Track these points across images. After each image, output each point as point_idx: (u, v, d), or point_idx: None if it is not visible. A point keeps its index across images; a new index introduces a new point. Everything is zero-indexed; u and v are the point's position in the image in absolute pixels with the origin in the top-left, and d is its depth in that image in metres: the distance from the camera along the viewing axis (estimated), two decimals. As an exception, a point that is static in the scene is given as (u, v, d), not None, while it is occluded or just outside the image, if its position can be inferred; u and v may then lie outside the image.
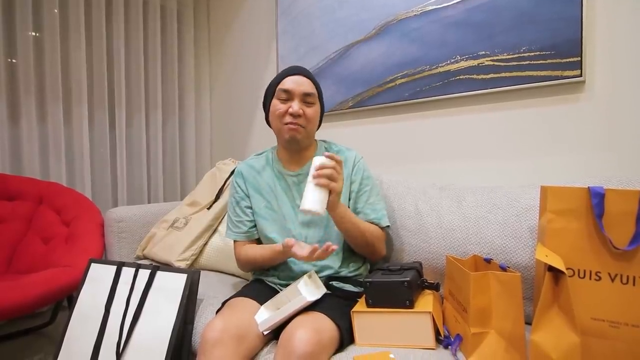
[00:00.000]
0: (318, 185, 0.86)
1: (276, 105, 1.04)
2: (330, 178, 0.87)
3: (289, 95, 1.02)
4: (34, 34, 1.75)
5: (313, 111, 1.04)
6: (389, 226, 1.10)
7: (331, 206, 0.91)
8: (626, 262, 0.74)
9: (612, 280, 0.75)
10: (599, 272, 0.76)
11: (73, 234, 1.50)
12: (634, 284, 0.73)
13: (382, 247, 1.09)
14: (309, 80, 1.04)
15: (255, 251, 1.07)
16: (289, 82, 1.02)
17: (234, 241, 1.14)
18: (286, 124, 1.02)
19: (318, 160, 0.89)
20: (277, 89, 1.04)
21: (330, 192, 0.89)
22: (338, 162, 0.90)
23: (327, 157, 0.88)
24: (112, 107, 2.01)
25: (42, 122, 1.79)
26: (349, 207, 1.07)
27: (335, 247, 0.87)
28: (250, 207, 1.12)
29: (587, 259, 0.77)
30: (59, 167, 1.81)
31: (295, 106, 1.00)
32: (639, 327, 0.72)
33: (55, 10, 1.76)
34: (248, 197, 1.12)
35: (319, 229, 1.05)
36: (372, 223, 1.06)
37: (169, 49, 2.20)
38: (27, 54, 1.70)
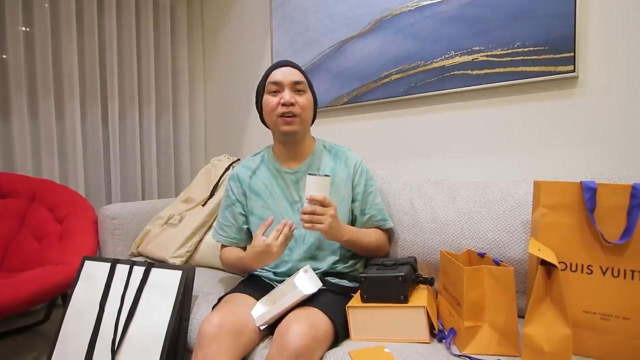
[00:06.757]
0: (305, 228, 0.92)
1: (268, 99, 1.04)
2: (312, 222, 0.90)
3: (279, 87, 1.03)
4: (24, 28, 1.72)
5: (305, 99, 1.04)
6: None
7: (332, 238, 0.96)
8: (617, 255, 0.75)
9: (604, 273, 0.76)
10: (591, 266, 0.77)
11: (66, 232, 1.49)
12: (624, 277, 0.74)
13: (387, 246, 1.15)
14: (296, 70, 1.05)
15: (234, 253, 1.09)
16: (277, 74, 1.03)
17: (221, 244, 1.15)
18: (280, 116, 1.02)
19: (309, 185, 0.92)
20: (266, 83, 1.05)
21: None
22: (321, 202, 0.91)
23: (308, 200, 0.91)
24: (105, 103, 1.98)
25: (34, 119, 1.77)
26: (355, 209, 1.10)
27: (293, 226, 0.93)
28: (241, 213, 1.12)
29: (579, 252, 0.78)
30: (52, 164, 1.79)
31: (287, 95, 1.01)
32: (630, 319, 0.73)
33: (46, 5, 1.73)
34: (239, 202, 1.12)
35: None
36: (378, 225, 1.11)
37: (162, 44, 2.18)
38: (18, 50, 1.67)
